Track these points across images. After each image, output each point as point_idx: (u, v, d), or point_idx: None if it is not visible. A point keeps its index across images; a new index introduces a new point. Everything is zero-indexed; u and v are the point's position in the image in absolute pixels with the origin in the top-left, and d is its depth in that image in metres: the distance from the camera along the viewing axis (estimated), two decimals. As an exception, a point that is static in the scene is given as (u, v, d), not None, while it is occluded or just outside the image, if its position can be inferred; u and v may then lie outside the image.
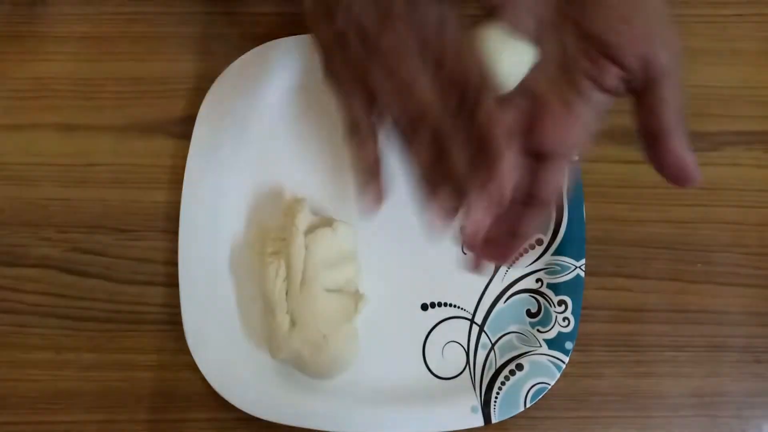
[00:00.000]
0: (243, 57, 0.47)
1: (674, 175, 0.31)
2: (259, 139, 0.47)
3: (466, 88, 0.31)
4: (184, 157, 0.46)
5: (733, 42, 0.50)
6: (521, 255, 0.36)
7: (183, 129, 0.48)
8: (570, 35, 0.31)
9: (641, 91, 0.31)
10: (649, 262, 0.47)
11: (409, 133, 0.32)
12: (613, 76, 0.31)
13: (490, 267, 0.36)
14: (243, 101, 0.47)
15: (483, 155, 0.31)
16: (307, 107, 0.48)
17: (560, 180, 0.34)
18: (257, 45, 0.47)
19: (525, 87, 0.33)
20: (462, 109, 0.31)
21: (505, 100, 0.33)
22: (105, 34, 0.50)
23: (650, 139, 0.31)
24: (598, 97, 0.32)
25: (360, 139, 0.36)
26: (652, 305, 0.46)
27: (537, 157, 0.33)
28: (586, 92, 0.31)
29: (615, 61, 0.30)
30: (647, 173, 0.47)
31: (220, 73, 0.47)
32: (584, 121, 0.32)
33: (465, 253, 0.36)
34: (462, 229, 0.34)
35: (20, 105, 0.49)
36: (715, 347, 0.46)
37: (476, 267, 0.37)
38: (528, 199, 0.34)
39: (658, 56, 0.30)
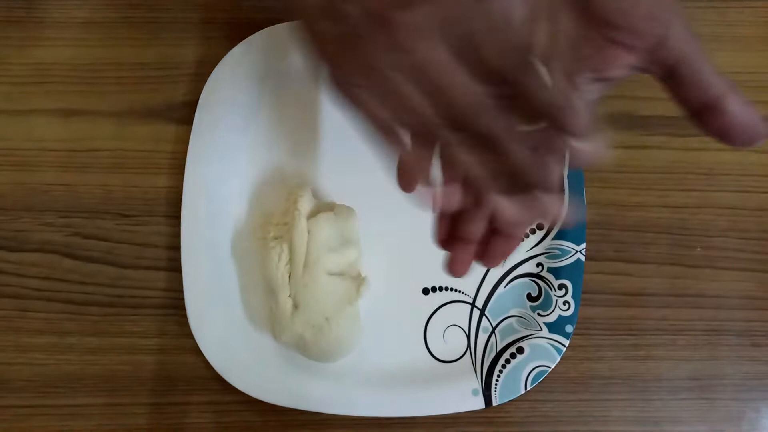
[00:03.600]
0: (244, 42, 0.47)
1: (743, 137, 0.28)
2: (260, 124, 0.47)
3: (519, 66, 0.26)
4: (185, 142, 0.46)
5: (734, 27, 0.50)
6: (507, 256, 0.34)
7: (184, 114, 0.48)
8: (566, 20, 0.28)
9: (666, 71, 0.29)
10: (649, 247, 0.47)
11: (449, 135, 0.28)
12: (621, 64, 0.28)
13: (475, 269, 0.33)
14: (244, 86, 0.47)
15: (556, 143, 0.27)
16: (309, 93, 0.48)
17: (559, 170, 0.31)
18: (258, 30, 0.47)
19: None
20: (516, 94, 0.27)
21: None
22: (106, 20, 0.50)
23: (702, 112, 0.28)
24: (595, 87, 0.29)
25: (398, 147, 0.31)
26: (651, 289, 0.47)
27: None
28: (582, 84, 0.29)
29: (625, 46, 0.28)
30: (647, 158, 0.48)
31: (221, 59, 0.47)
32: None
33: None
34: (436, 232, 0.33)
35: (21, 90, 0.49)
36: (714, 331, 0.46)
37: (459, 269, 0.33)
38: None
39: (674, 31, 0.27)
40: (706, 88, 0.28)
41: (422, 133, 0.29)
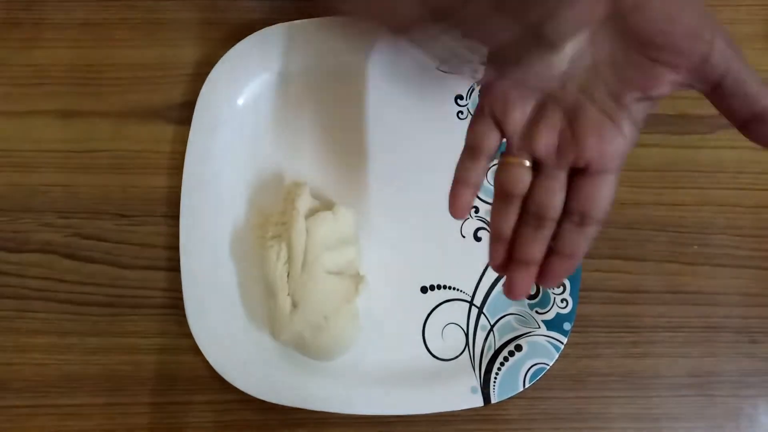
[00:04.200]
0: (242, 42, 0.47)
1: None
2: (258, 124, 0.48)
3: None
4: (183, 143, 0.46)
5: (730, 25, 0.50)
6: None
7: (182, 114, 0.48)
8: (609, 40, 0.29)
9: (712, 86, 0.29)
10: (646, 244, 0.47)
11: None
12: (665, 83, 0.29)
13: (531, 288, 0.34)
14: (242, 86, 0.47)
15: None
16: (306, 92, 0.48)
17: (605, 195, 0.31)
18: (256, 30, 0.47)
19: (559, 99, 0.31)
20: None
21: (539, 114, 0.31)
22: (104, 21, 0.50)
23: (750, 123, 0.29)
24: (642, 106, 0.30)
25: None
26: (649, 287, 0.47)
27: (578, 172, 0.32)
28: (629, 103, 0.30)
29: (670, 65, 0.29)
30: (644, 156, 0.48)
31: (219, 59, 0.47)
32: (626, 132, 0.30)
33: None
34: (492, 255, 0.33)
35: (20, 92, 0.49)
36: (711, 328, 0.46)
37: (520, 292, 0.33)
38: (573, 217, 0.32)
39: (715, 47, 0.28)
40: (752, 99, 0.29)
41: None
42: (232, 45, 0.47)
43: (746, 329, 0.46)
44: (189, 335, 0.44)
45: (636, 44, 0.29)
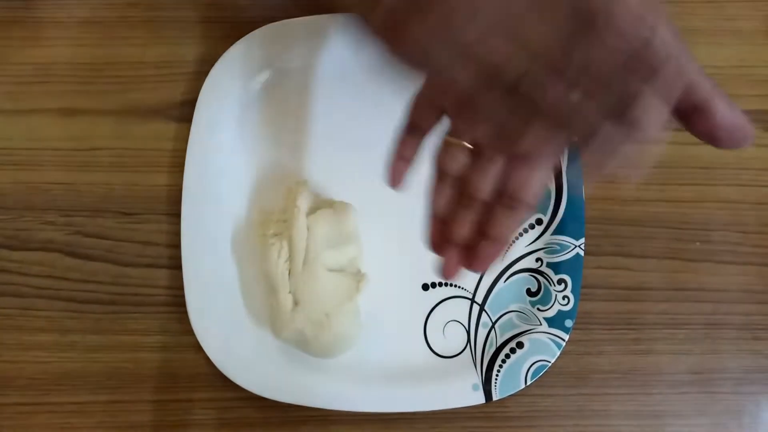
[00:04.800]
0: (242, 40, 0.47)
1: (730, 139, 0.29)
2: (259, 122, 0.48)
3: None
4: (185, 141, 0.46)
5: (731, 21, 0.50)
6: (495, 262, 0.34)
7: (184, 112, 0.48)
8: (561, 24, 0.28)
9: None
10: (648, 241, 0.47)
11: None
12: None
13: (465, 274, 0.34)
14: (243, 84, 0.47)
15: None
16: (307, 90, 0.48)
17: (540, 180, 0.32)
18: (256, 28, 0.47)
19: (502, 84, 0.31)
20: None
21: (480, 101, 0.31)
22: (105, 19, 0.50)
23: (689, 114, 0.29)
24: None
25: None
26: (650, 284, 0.47)
27: (515, 157, 0.32)
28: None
29: (611, 48, 0.27)
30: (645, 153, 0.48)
31: (220, 57, 0.47)
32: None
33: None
34: (429, 234, 0.34)
35: (22, 90, 0.49)
36: (714, 325, 0.46)
37: (449, 273, 0.34)
38: (504, 200, 0.32)
39: (659, 32, 0.27)
40: (692, 90, 0.28)
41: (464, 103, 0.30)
42: (233, 43, 0.47)
43: (748, 326, 0.46)
44: (191, 333, 0.44)
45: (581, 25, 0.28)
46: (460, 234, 0.33)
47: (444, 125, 0.35)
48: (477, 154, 0.33)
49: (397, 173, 0.35)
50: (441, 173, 0.34)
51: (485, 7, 0.26)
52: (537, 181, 0.32)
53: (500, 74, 0.27)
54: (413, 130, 0.35)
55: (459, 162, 0.33)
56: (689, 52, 0.28)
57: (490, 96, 0.28)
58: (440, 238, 0.34)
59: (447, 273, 0.34)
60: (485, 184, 0.32)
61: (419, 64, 0.30)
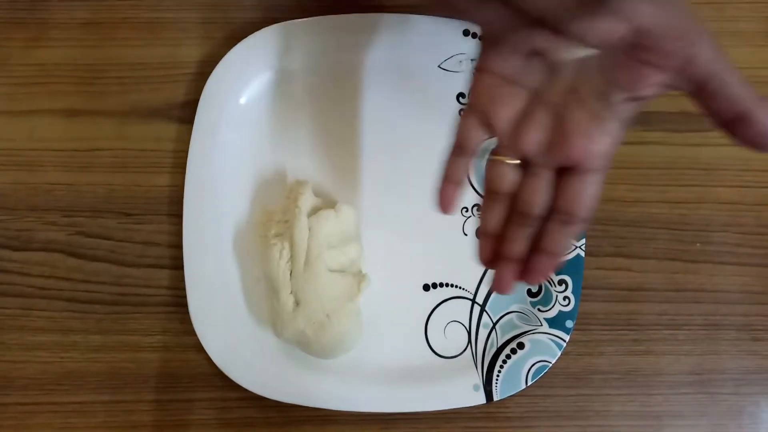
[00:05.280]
0: (244, 41, 0.47)
1: None
2: (261, 123, 0.48)
3: None
4: (186, 142, 0.46)
5: (732, 22, 0.50)
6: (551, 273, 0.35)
7: (185, 113, 0.48)
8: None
9: (697, 87, 0.29)
10: (648, 242, 0.47)
11: None
12: (652, 84, 0.29)
13: (519, 286, 0.34)
14: (244, 85, 0.47)
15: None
16: (309, 91, 0.48)
17: (591, 194, 0.32)
18: (258, 29, 0.47)
19: (547, 98, 0.32)
20: None
21: (527, 113, 0.32)
22: (107, 20, 0.50)
23: (733, 124, 0.29)
24: (629, 106, 0.30)
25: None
26: (651, 284, 0.47)
27: (564, 171, 0.32)
28: (615, 103, 0.30)
29: (656, 66, 0.29)
30: (646, 154, 0.48)
31: (221, 58, 0.47)
32: (613, 132, 0.31)
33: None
34: (480, 251, 0.34)
35: (24, 91, 0.49)
36: (713, 326, 0.46)
37: (504, 287, 0.34)
38: (558, 215, 0.32)
39: (701, 50, 0.28)
40: (735, 101, 0.29)
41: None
42: (235, 44, 0.47)
43: (748, 327, 0.46)
44: (192, 333, 0.44)
45: (623, 45, 0.29)
46: (515, 250, 0.33)
47: (491, 144, 0.35)
48: (526, 171, 0.33)
49: (447, 197, 0.35)
50: (491, 192, 0.34)
51: None
52: (589, 194, 0.32)
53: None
54: (460, 151, 0.35)
55: (509, 180, 0.33)
56: (732, 66, 0.29)
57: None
58: (492, 254, 0.34)
59: (502, 287, 0.34)
60: (537, 200, 0.33)
61: None
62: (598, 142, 0.31)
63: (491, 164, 0.34)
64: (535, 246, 0.33)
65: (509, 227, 0.34)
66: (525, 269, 0.34)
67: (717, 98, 0.29)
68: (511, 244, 0.33)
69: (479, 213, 0.35)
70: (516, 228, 0.33)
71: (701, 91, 0.29)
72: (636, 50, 0.29)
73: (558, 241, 0.33)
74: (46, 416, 0.45)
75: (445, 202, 0.35)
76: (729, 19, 0.50)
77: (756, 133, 0.29)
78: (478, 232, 0.35)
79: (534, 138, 0.32)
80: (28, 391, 0.45)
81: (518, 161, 0.33)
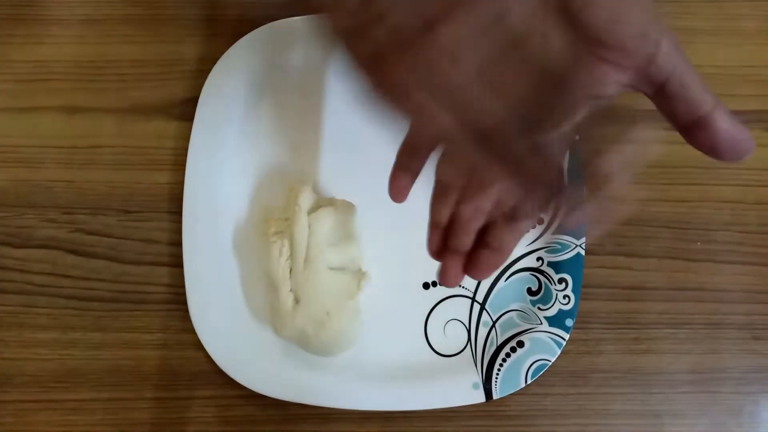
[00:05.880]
0: (244, 38, 0.47)
1: (731, 152, 0.29)
2: (261, 120, 0.48)
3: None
4: (186, 139, 0.46)
5: (732, 21, 0.50)
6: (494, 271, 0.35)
7: (185, 111, 0.48)
8: (556, 37, 0.28)
9: (656, 88, 0.29)
10: (649, 241, 0.47)
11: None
12: (610, 83, 0.29)
13: (463, 280, 0.34)
14: (245, 83, 0.47)
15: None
16: (309, 88, 0.48)
17: (545, 195, 0.32)
18: (258, 26, 0.47)
19: None
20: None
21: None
22: (107, 17, 0.50)
23: (691, 128, 0.29)
24: (585, 106, 0.29)
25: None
26: (651, 283, 0.47)
27: None
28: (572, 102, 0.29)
29: (615, 64, 0.28)
30: (647, 153, 0.48)
31: (221, 55, 0.47)
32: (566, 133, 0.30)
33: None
34: (429, 242, 0.34)
35: (24, 88, 0.49)
36: (714, 324, 0.46)
37: (449, 280, 0.34)
38: (506, 213, 0.33)
39: (661, 49, 0.28)
40: (695, 104, 0.28)
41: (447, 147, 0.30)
42: (235, 41, 0.47)
43: (749, 326, 0.46)
44: (192, 331, 0.44)
45: (583, 42, 0.28)
46: (461, 243, 0.33)
47: None
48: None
49: (399, 186, 0.36)
50: (440, 183, 0.34)
51: (471, 51, 0.26)
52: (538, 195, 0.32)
53: (477, 122, 0.27)
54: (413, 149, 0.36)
55: (460, 174, 0.33)
56: (690, 64, 0.28)
57: (464, 142, 0.28)
58: (441, 245, 0.34)
59: (447, 280, 0.34)
60: (486, 197, 0.33)
61: (399, 103, 0.29)
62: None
63: (443, 157, 0.33)
64: (482, 241, 0.33)
65: (457, 220, 0.34)
66: (470, 263, 0.34)
67: (676, 101, 0.29)
68: (457, 236, 0.34)
69: (430, 204, 0.35)
70: (463, 222, 0.33)
71: (660, 92, 0.29)
72: (596, 47, 0.28)
73: (503, 238, 0.33)
74: (46, 413, 0.45)
75: (396, 192, 0.36)
76: (729, 18, 0.50)
77: (713, 138, 0.29)
78: (429, 224, 0.35)
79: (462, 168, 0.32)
80: (28, 388, 0.45)
81: None
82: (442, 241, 0.34)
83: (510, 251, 0.34)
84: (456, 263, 0.34)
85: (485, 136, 0.27)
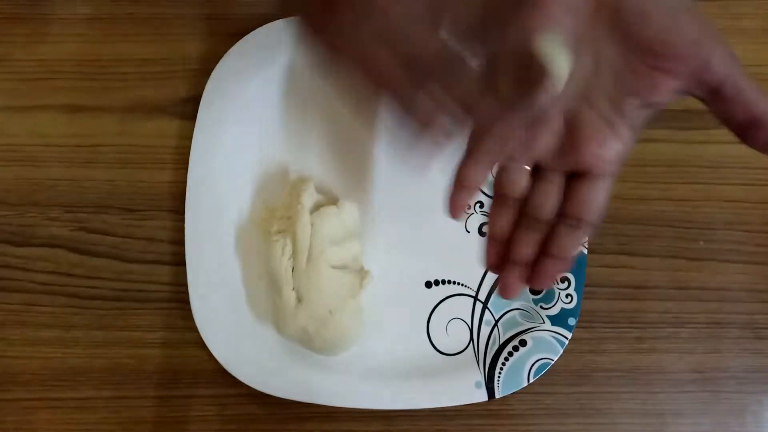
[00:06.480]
0: (247, 37, 0.47)
1: None
2: (263, 119, 0.48)
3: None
4: (189, 138, 0.46)
5: (737, 20, 0.50)
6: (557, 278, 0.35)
7: (188, 109, 0.48)
8: (609, 48, 0.30)
9: (710, 93, 0.30)
10: (652, 240, 0.47)
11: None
12: (665, 90, 0.30)
13: (524, 289, 0.34)
14: (247, 81, 0.47)
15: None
16: (311, 86, 0.48)
17: (600, 199, 0.32)
18: (261, 25, 0.47)
19: (559, 104, 0.31)
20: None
21: (539, 119, 0.32)
22: (109, 16, 0.50)
23: (747, 128, 0.30)
24: (642, 113, 0.31)
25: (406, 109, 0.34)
26: (654, 282, 0.47)
27: (574, 176, 0.32)
28: (628, 110, 0.30)
29: (670, 72, 0.29)
30: (650, 151, 0.48)
31: (224, 54, 0.47)
32: (624, 138, 0.31)
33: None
34: (487, 255, 0.34)
35: (26, 87, 0.49)
36: (717, 324, 0.46)
37: (511, 292, 0.34)
38: (567, 220, 0.32)
39: (715, 57, 0.29)
40: (749, 105, 0.29)
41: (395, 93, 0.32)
42: (237, 40, 0.47)
43: (751, 325, 0.46)
44: (194, 329, 0.44)
45: (637, 52, 0.29)
46: (523, 254, 0.33)
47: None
48: (537, 175, 0.33)
49: (459, 202, 0.34)
50: (500, 196, 0.34)
51: None
52: (598, 200, 0.32)
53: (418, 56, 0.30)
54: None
55: (519, 184, 0.33)
56: (742, 68, 0.29)
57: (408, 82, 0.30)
58: (499, 259, 0.34)
59: (510, 292, 0.34)
60: (547, 205, 0.32)
61: (346, 54, 0.31)
62: (610, 148, 0.31)
63: (502, 169, 0.34)
64: (543, 250, 0.33)
65: (518, 231, 0.33)
66: (532, 273, 0.33)
67: (731, 103, 0.29)
68: (519, 248, 0.33)
69: (489, 218, 0.34)
70: (525, 232, 0.33)
71: (715, 96, 0.30)
72: (649, 57, 0.29)
73: (566, 245, 0.33)
74: (48, 412, 0.45)
75: (456, 208, 0.34)
76: (733, 17, 0.50)
77: None
78: (488, 237, 0.34)
79: (546, 143, 0.32)
80: (30, 386, 0.45)
81: (529, 167, 0.33)
82: (501, 254, 0.34)
83: (571, 257, 0.33)
84: (517, 275, 0.33)
85: (430, 69, 0.30)
